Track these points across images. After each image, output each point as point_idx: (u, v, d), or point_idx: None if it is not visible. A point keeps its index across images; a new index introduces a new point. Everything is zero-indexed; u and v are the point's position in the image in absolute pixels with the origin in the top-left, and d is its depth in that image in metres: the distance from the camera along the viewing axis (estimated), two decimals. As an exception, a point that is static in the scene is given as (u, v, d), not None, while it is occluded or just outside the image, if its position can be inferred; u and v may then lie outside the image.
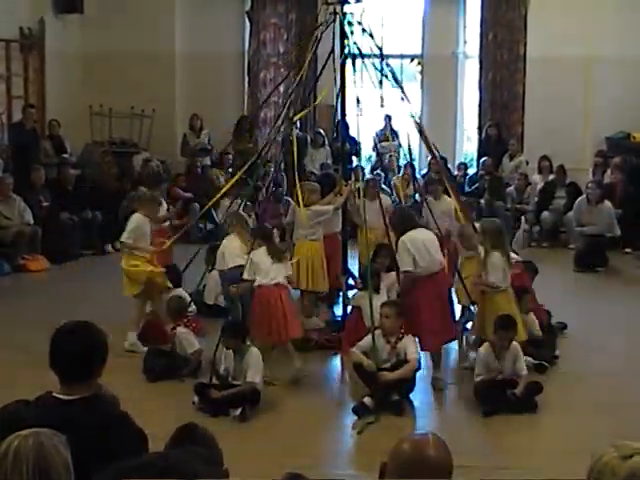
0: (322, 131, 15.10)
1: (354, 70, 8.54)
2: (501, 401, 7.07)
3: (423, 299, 7.48)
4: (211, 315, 9.09)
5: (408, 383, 7.18)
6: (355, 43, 8.55)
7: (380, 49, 8.98)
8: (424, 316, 7.40)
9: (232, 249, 8.53)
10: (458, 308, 8.71)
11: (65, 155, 13.99)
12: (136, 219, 8.66)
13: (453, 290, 8.41)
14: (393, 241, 8.06)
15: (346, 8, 8.50)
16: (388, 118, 13.76)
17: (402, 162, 14.35)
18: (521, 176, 14.39)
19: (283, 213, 11.80)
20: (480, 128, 15.57)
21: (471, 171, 15.35)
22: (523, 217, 14.20)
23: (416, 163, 15.32)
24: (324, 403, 7.33)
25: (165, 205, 9.98)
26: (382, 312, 7.24)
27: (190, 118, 15.10)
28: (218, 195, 9.64)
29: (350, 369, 7.51)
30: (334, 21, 8.48)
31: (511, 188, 14.37)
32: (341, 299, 9.08)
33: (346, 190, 8.88)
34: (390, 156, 14.14)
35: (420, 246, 7.51)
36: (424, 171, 14.87)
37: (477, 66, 15.55)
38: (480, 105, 15.57)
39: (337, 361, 8.31)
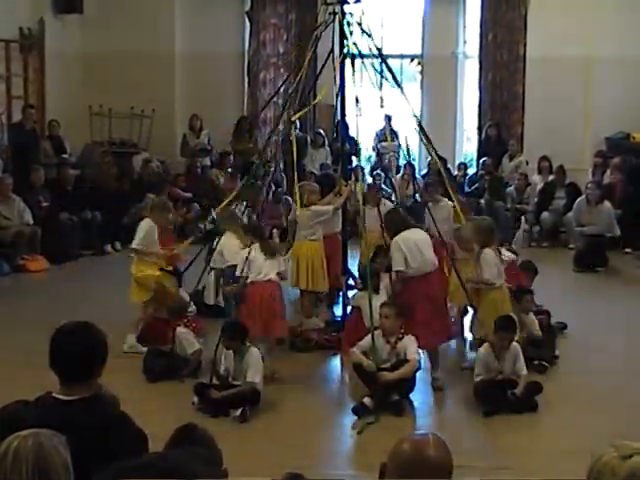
0: (322, 131, 15.11)
1: (353, 70, 8.54)
2: (501, 401, 7.07)
3: (415, 299, 7.49)
4: (211, 315, 9.09)
5: (408, 383, 7.18)
6: (355, 43, 8.56)
7: (379, 49, 8.98)
8: (417, 316, 7.40)
9: (231, 247, 8.55)
10: (456, 309, 8.75)
11: (65, 155, 13.99)
12: (146, 225, 8.61)
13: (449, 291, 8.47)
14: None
15: (346, 8, 8.51)
16: (388, 118, 13.76)
17: (402, 162, 14.37)
18: (521, 176, 14.40)
19: (283, 213, 11.82)
20: (480, 128, 15.57)
21: (471, 171, 15.35)
22: (523, 217, 14.20)
23: (416, 163, 15.36)
24: (324, 403, 7.33)
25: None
26: (382, 312, 7.24)
27: (190, 118, 15.10)
28: (230, 197, 9.50)
29: (350, 369, 7.50)
30: (333, 21, 8.49)
31: (511, 188, 14.37)
32: (341, 299, 9.08)
33: (346, 190, 8.89)
34: (390, 156, 14.14)
35: (412, 246, 7.54)
36: (424, 171, 14.89)
37: (477, 66, 15.56)
38: (480, 105, 15.57)
39: (337, 361, 8.32)
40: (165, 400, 7.28)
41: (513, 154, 15.02)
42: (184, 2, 15.67)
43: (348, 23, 8.51)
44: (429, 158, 14.53)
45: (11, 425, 2.88)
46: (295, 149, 9.16)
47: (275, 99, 15.26)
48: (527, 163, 14.89)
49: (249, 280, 7.76)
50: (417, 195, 12.26)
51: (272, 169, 11.21)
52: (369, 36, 8.71)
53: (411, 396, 7.27)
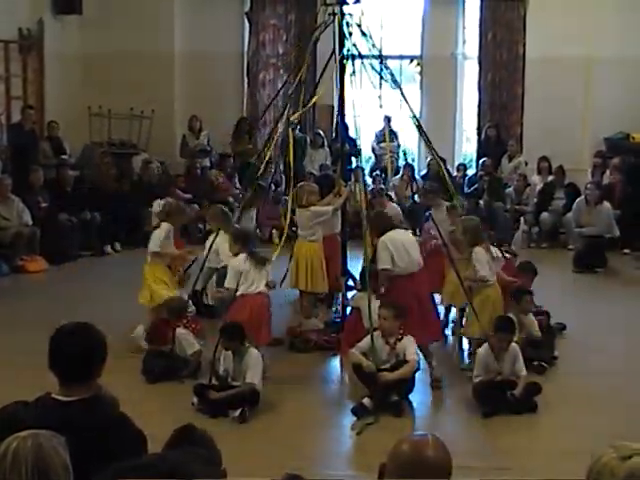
0: (321, 132, 15.11)
1: (353, 71, 8.54)
2: (500, 402, 7.07)
3: (402, 298, 7.52)
4: (211, 316, 9.08)
5: (407, 384, 7.18)
6: (354, 44, 8.56)
7: (379, 50, 8.99)
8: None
9: (225, 248, 8.52)
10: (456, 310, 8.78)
11: (64, 156, 13.97)
12: (166, 229, 8.68)
13: (445, 292, 8.60)
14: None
15: (345, 9, 8.50)
16: (387, 119, 13.77)
17: (401, 163, 14.38)
18: (520, 177, 14.40)
19: (282, 214, 11.79)
20: (479, 129, 15.58)
21: (470, 172, 15.35)
22: (522, 218, 14.21)
23: (415, 164, 15.38)
24: (323, 404, 7.33)
25: None
26: (381, 313, 7.25)
27: (189, 119, 15.11)
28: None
29: (349, 370, 7.50)
30: (333, 22, 8.48)
31: (510, 189, 14.38)
32: (340, 300, 9.08)
33: (345, 191, 8.89)
34: (389, 157, 14.14)
35: (399, 246, 7.69)
36: (423, 172, 14.90)
37: (476, 67, 15.57)
38: (479, 106, 15.59)
39: (336, 362, 8.32)
40: (165, 401, 7.28)
41: (512, 155, 15.03)
42: (183, 3, 15.67)
43: (347, 24, 8.51)
44: (428, 159, 14.56)
45: (10, 426, 2.88)
46: (295, 150, 9.16)
47: (275, 100, 15.31)
48: (526, 164, 14.89)
49: (239, 292, 7.68)
50: (416, 196, 12.26)
51: (272, 170, 11.21)
52: (368, 37, 8.72)
53: (410, 397, 7.27)
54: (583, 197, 13.16)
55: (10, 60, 13.74)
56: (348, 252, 9.09)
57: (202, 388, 7.11)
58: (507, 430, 6.83)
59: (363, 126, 9.15)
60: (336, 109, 9.20)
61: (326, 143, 15.01)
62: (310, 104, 9.30)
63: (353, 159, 9.44)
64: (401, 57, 16.21)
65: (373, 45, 8.88)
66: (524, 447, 6.49)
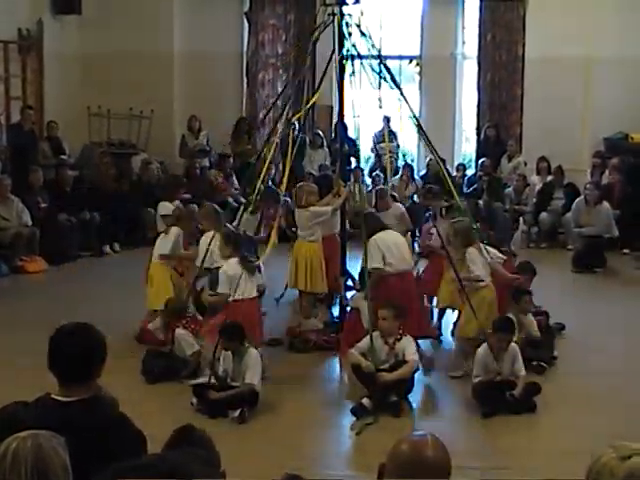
0: (320, 132, 15.10)
1: (353, 71, 8.54)
2: (500, 402, 7.07)
3: (393, 296, 7.59)
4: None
5: (406, 384, 7.19)
6: (354, 45, 8.56)
7: (378, 50, 8.99)
8: None
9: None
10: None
11: (63, 156, 13.96)
12: (175, 234, 8.80)
13: (441, 294, 8.65)
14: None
15: (344, 9, 8.50)
16: (386, 119, 13.77)
17: (400, 163, 14.38)
18: (519, 177, 14.39)
19: (282, 214, 11.77)
20: (479, 129, 15.58)
21: (470, 172, 15.35)
22: (521, 218, 14.20)
23: (414, 164, 15.38)
24: (322, 404, 7.33)
25: None
26: (380, 314, 7.25)
27: (188, 119, 15.10)
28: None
29: (348, 370, 7.51)
30: (332, 22, 8.49)
31: (509, 189, 14.37)
32: (339, 300, 9.07)
33: (344, 191, 8.90)
34: (389, 157, 14.14)
35: (390, 245, 7.91)
36: (423, 172, 14.90)
37: (475, 67, 15.57)
38: (478, 106, 15.58)
39: (335, 362, 8.31)
40: (164, 401, 7.28)
41: (512, 155, 15.03)
42: (183, 3, 15.67)
43: (347, 24, 8.51)
44: (428, 159, 14.56)
45: (10, 426, 2.88)
46: (294, 150, 9.14)
47: (273, 100, 15.32)
48: (526, 164, 14.89)
49: (232, 299, 7.62)
50: (415, 196, 12.26)
51: (273, 170, 11.20)
52: (368, 37, 8.72)
53: (410, 397, 7.27)
54: (582, 197, 13.15)
55: (9, 60, 13.73)
56: (347, 252, 9.09)
57: (201, 388, 7.12)
58: (506, 430, 6.83)
59: (363, 126, 9.16)
60: (335, 109, 9.20)
61: (325, 143, 15.01)
62: (309, 104, 9.28)
63: (352, 159, 9.46)
64: (400, 57, 16.21)
65: (372, 45, 8.88)
66: (523, 447, 6.50)
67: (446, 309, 8.94)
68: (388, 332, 7.24)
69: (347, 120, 9.15)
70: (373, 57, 8.95)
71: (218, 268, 8.17)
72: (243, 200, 11.20)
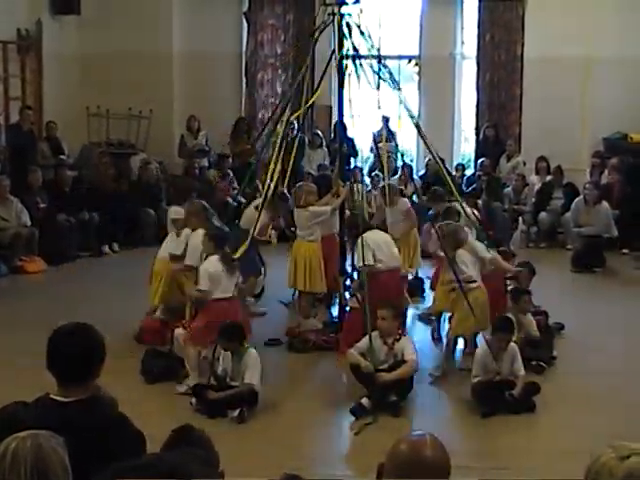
0: (319, 132, 15.10)
1: (356, 71, 8.55)
2: (499, 402, 7.07)
3: (384, 294, 7.68)
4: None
5: (406, 384, 7.18)
6: (353, 45, 8.56)
7: (378, 50, 8.99)
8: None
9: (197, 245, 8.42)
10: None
11: (62, 156, 13.96)
12: (188, 234, 8.65)
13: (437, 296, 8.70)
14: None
15: (344, 9, 8.50)
16: (385, 120, 13.76)
17: (399, 163, 14.37)
18: (518, 177, 14.40)
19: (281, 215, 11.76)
20: (478, 129, 15.58)
21: (469, 172, 15.35)
22: (521, 218, 14.20)
23: (414, 164, 15.38)
24: (322, 404, 7.32)
25: None
26: (379, 314, 7.25)
27: (187, 119, 15.09)
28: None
29: (347, 370, 7.51)
30: (332, 22, 8.49)
31: (509, 189, 14.37)
32: (338, 300, 9.08)
33: (344, 191, 8.90)
34: (388, 157, 14.14)
35: (380, 242, 8.07)
36: (422, 172, 14.90)
37: (474, 67, 15.57)
38: (477, 106, 15.59)
39: (335, 362, 8.31)
40: (163, 401, 7.28)
41: (511, 154, 15.03)
42: (182, 3, 15.66)
43: (347, 24, 8.52)
44: (427, 159, 14.57)
45: (10, 426, 2.88)
46: (293, 150, 9.15)
47: (273, 100, 15.33)
48: (525, 164, 14.89)
49: (213, 297, 7.55)
50: (415, 196, 12.26)
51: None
52: (367, 37, 8.72)
53: (409, 397, 7.27)
54: (581, 197, 13.15)
55: (8, 60, 13.73)
56: (347, 252, 9.09)
57: (201, 388, 7.11)
58: (506, 430, 6.84)
59: (362, 126, 9.16)
60: (335, 109, 9.20)
61: (324, 143, 15.01)
62: (308, 104, 9.29)
63: (351, 159, 9.47)
64: (399, 57, 16.20)
65: (372, 45, 8.88)
66: (523, 447, 6.50)
67: (442, 313, 8.89)
68: (387, 332, 7.24)
69: (346, 120, 9.14)
70: (373, 57, 8.95)
71: None
72: (243, 200, 11.19)
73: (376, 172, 13.75)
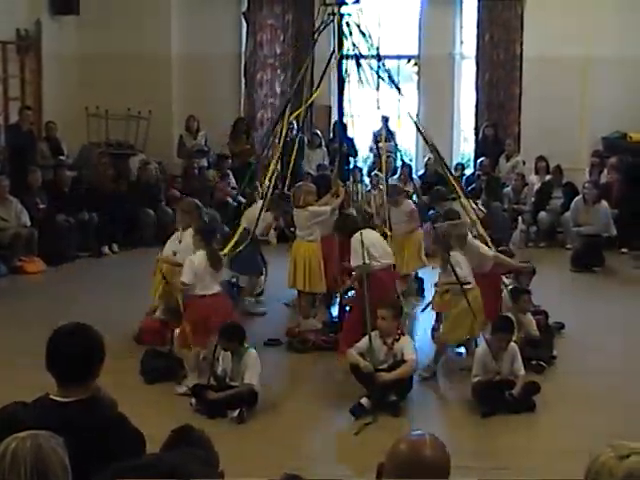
0: (319, 132, 15.10)
1: (358, 71, 8.55)
2: (499, 402, 7.07)
3: (382, 292, 7.70)
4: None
5: (405, 383, 7.19)
6: (353, 44, 8.56)
7: (377, 50, 8.99)
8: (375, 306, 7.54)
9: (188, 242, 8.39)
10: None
11: (62, 157, 13.95)
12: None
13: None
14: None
15: (344, 9, 8.50)
16: (385, 119, 13.76)
17: (398, 163, 14.37)
18: (518, 176, 14.40)
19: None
20: (477, 128, 15.57)
21: (468, 172, 15.35)
22: (520, 217, 14.20)
23: (413, 164, 15.37)
24: (321, 404, 7.32)
25: None
26: (379, 314, 7.25)
27: (187, 119, 15.08)
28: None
29: (341, 368, 7.51)
30: (332, 22, 8.49)
31: (508, 188, 14.37)
32: (338, 300, 9.08)
33: (343, 191, 8.90)
34: (388, 157, 14.13)
35: (374, 241, 8.08)
36: (421, 172, 14.90)
37: (474, 66, 15.56)
38: (477, 105, 15.58)
39: (334, 362, 8.30)
40: (163, 401, 7.28)
41: (510, 154, 15.02)
42: (181, 3, 15.65)
43: (347, 24, 8.52)
44: (426, 158, 14.57)
45: (10, 426, 2.88)
46: (293, 150, 9.16)
47: (272, 100, 15.32)
48: (524, 163, 14.89)
49: (196, 292, 7.50)
50: (415, 196, 12.25)
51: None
52: (367, 37, 8.72)
53: (409, 397, 7.27)
54: (581, 196, 13.16)
55: (8, 61, 13.71)
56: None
57: (200, 388, 7.11)
58: (506, 430, 6.84)
59: (361, 126, 9.17)
60: (335, 109, 9.20)
61: (323, 143, 15.01)
62: (307, 104, 9.29)
63: (351, 159, 9.47)
64: (398, 57, 16.20)
65: (371, 45, 8.88)
66: (523, 446, 6.51)
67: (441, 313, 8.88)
68: (387, 332, 7.24)
69: (345, 119, 9.14)
70: (372, 57, 8.95)
71: None
72: (242, 199, 11.20)
73: (375, 172, 13.76)
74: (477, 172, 14.69)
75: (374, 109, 9.11)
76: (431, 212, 9.95)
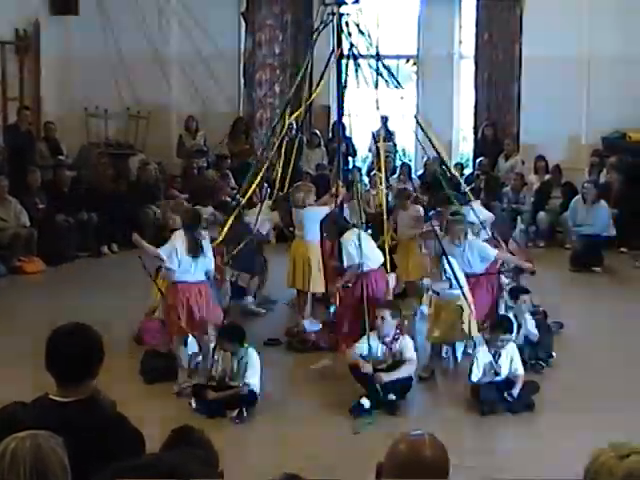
0: (318, 132, 15.10)
1: (356, 71, 8.55)
2: (498, 401, 7.07)
3: (374, 289, 7.78)
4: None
5: (405, 383, 7.18)
6: (353, 44, 8.56)
7: (377, 49, 8.99)
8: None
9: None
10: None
11: (61, 157, 13.95)
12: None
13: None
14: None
15: (343, 9, 8.50)
16: (384, 119, 13.75)
17: (398, 163, 14.37)
18: (517, 176, 14.39)
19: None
20: (476, 128, 15.58)
21: (467, 171, 15.35)
22: (519, 217, 14.18)
23: (412, 164, 15.37)
24: (321, 404, 7.32)
25: None
26: (378, 314, 7.25)
27: (186, 119, 15.08)
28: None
29: (346, 370, 7.52)
30: (332, 21, 8.49)
31: (507, 188, 14.36)
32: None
33: (342, 191, 8.90)
34: (386, 157, 14.13)
35: (365, 241, 8.11)
36: (420, 172, 14.89)
37: (473, 66, 15.56)
38: (476, 105, 15.58)
39: (334, 362, 8.30)
40: (162, 401, 7.28)
41: (509, 154, 15.02)
42: (180, 3, 15.63)
43: (347, 23, 8.52)
44: (425, 158, 14.56)
45: (9, 426, 2.87)
46: (293, 151, 9.16)
47: (271, 100, 15.31)
48: (523, 163, 14.89)
49: (175, 279, 7.44)
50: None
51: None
52: (367, 37, 8.72)
53: (408, 396, 7.27)
54: (580, 196, 13.15)
55: (6, 61, 13.71)
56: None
57: (200, 388, 7.11)
58: (505, 429, 6.85)
59: (361, 126, 9.16)
60: (334, 109, 9.20)
61: (322, 143, 15.00)
62: (307, 104, 9.29)
63: (350, 159, 9.46)
64: (398, 57, 16.20)
65: (371, 44, 8.88)
66: (522, 446, 6.51)
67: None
68: (386, 332, 7.24)
69: (344, 119, 9.13)
70: (372, 56, 8.95)
71: None
72: (242, 199, 11.18)
73: (374, 172, 13.75)
74: (476, 172, 14.67)
75: (373, 109, 9.08)
76: (431, 212, 9.91)
